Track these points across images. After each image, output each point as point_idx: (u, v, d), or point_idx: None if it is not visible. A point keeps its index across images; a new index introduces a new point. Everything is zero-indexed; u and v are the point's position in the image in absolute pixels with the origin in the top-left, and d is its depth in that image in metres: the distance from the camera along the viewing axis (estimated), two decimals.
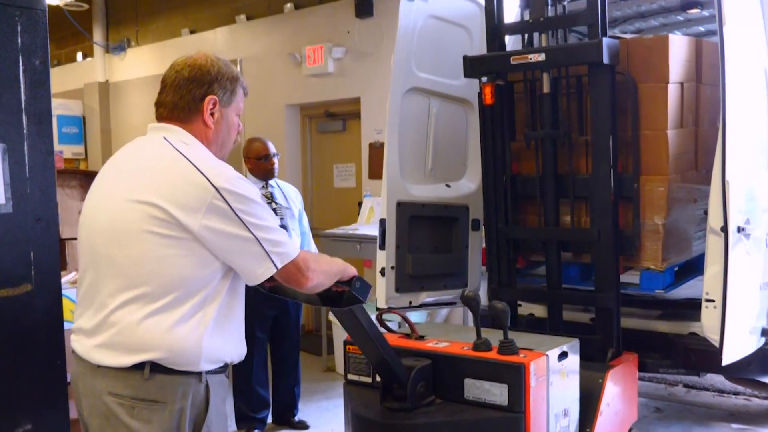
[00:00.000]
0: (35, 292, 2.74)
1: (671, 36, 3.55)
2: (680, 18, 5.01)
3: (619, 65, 3.42)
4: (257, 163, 4.60)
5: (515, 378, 2.65)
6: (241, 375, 4.59)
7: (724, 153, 3.00)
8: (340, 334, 5.89)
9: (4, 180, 2.59)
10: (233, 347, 2.07)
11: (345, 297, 2.20)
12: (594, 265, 3.57)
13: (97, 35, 9.86)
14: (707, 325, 3.13)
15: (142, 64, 9.40)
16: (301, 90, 7.64)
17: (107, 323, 1.92)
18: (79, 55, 10.36)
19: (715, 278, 3.07)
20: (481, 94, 3.64)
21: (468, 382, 2.74)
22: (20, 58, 2.60)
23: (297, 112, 7.94)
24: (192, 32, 8.74)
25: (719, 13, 2.97)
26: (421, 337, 3.05)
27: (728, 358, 3.11)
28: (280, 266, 1.95)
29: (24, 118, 2.63)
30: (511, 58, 3.47)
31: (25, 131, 2.63)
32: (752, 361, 3.52)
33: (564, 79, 3.55)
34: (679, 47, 3.58)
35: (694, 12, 4.69)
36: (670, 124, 3.50)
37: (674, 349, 3.87)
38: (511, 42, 3.87)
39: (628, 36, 3.83)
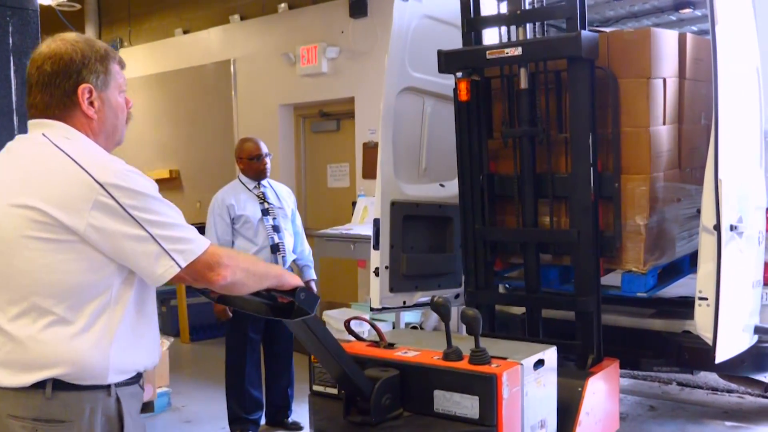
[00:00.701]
0: None
1: (653, 29, 3.44)
2: (673, 18, 5.03)
3: (600, 60, 3.33)
4: (249, 163, 4.59)
5: (486, 389, 2.50)
6: (233, 376, 4.58)
7: (717, 151, 3.00)
8: (333, 335, 5.88)
9: None
10: (145, 355, 1.92)
11: (295, 308, 2.07)
12: (573, 268, 3.44)
13: (90, 35, 9.82)
14: (701, 323, 3.12)
15: (134, 65, 9.35)
16: (295, 90, 7.63)
17: (0, 340, 1.78)
18: None
19: (708, 276, 3.07)
20: (456, 90, 3.54)
21: (437, 393, 2.59)
22: (11, 58, 2.60)
23: (291, 111, 7.93)
24: (185, 32, 8.72)
25: (711, 12, 2.97)
26: (391, 345, 2.89)
27: (721, 355, 3.11)
28: (183, 264, 1.77)
29: (15, 118, 2.62)
30: (487, 53, 3.36)
31: (15, 132, 2.62)
32: (745, 358, 3.52)
33: (542, 74, 3.44)
34: (661, 41, 3.48)
35: (687, 12, 4.71)
36: (651, 120, 3.40)
37: (668, 347, 3.87)
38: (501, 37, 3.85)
39: (608, 30, 3.71)
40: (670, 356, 3.89)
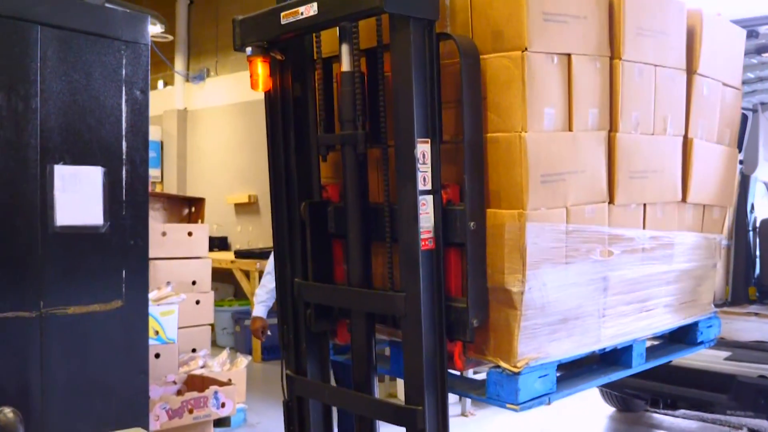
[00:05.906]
0: (124, 308, 2.92)
1: None
2: (754, 61, 4.98)
3: (456, 25, 2.24)
4: None
5: None
6: None
7: None
8: None
9: (103, 202, 2.79)
10: None
11: None
12: (403, 356, 2.23)
13: (179, 65, 10.30)
14: None
15: (219, 94, 9.76)
16: None
17: None
18: (160, 83, 10.82)
19: None
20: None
21: None
22: (123, 88, 2.82)
23: None
24: None
25: None
26: None
27: None
28: None
29: (124, 144, 2.83)
30: (282, 15, 2.29)
31: (124, 157, 2.83)
32: None
33: (378, 51, 2.32)
34: None
35: None
36: (534, 121, 2.13)
37: (742, 391, 3.82)
38: None
39: None
40: (743, 401, 3.83)
